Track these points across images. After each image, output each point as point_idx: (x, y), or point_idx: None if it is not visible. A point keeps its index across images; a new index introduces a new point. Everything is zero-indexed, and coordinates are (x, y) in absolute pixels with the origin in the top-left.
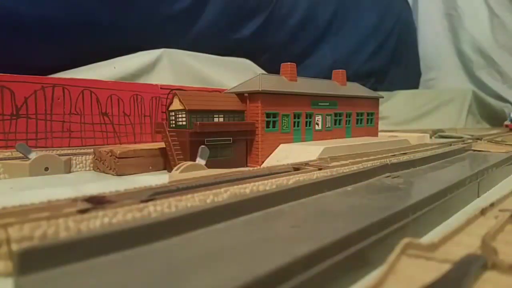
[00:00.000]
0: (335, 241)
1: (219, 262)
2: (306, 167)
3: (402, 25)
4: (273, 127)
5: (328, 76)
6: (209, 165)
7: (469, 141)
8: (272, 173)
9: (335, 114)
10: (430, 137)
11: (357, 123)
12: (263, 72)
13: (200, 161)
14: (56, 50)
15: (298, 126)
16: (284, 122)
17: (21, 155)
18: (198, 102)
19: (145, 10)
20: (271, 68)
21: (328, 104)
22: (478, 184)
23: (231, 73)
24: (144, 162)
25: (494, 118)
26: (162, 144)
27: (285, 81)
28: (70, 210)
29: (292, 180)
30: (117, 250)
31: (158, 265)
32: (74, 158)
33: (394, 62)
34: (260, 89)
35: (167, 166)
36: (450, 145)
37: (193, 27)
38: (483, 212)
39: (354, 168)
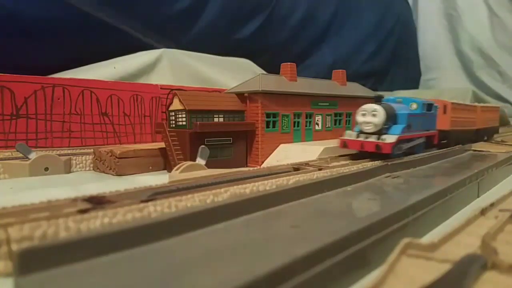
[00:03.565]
0: (335, 241)
1: (219, 262)
2: (306, 167)
3: (402, 25)
4: (273, 127)
5: (328, 76)
6: (209, 165)
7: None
8: (272, 173)
9: (335, 114)
10: None
11: None
12: (263, 72)
13: (200, 161)
14: (56, 50)
15: (298, 126)
16: (284, 122)
17: (21, 155)
18: (198, 102)
19: (145, 10)
20: (271, 68)
21: (328, 104)
22: (478, 184)
23: (231, 73)
24: (144, 162)
25: None
26: (162, 144)
27: (285, 81)
28: (70, 210)
29: (292, 180)
30: (117, 250)
31: (158, 265)
32: (74, 158)
33: (394, 62)
34: (260, 89)
35: (167, 166)
36: None
37: (193, 27)
38: (483, 212)
39: (354, 168)
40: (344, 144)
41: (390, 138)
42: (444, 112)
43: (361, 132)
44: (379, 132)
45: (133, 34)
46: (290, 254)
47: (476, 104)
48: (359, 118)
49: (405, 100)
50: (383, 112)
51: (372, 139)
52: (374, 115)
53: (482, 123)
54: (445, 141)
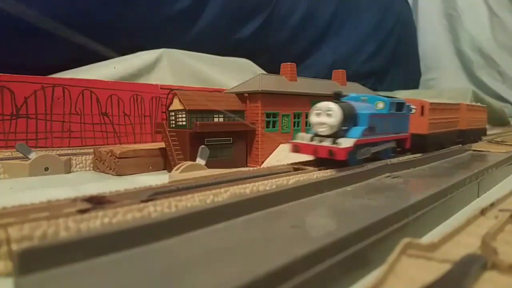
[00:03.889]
0: (335, 241)
1: (219, 262)
2: (306, 167)
3: (402, 25)
4: (273, 127)
5: (328, 76)
6: (209, 165)
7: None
8: (272, 173)
9: None
10: None
11: None
12: (263, 72)
13: (200, 161)
14: (56, 50)
15: (298, 126)
16: (284, 122)
17: (21, 155)
18: (198, 102)
19: (145, 10)
20: (271, 68)
21: None
22: (478, 184)
23: (231, 73)
24: (144, 162)
25: (494, 118)
26: (162, 144)
27: (285, 81)
28: (70, 210)
29: (292, 180)
30: (117, 250)
31: (158, 265)
32: (74, 158)
33: (394, 62)
34: (260, 89)
35: (167, 166)
36: None
37: (193, 27)
38: (483, 212)
39: (354, 168)
40: (296, 149)
41: (346, 142)
42: (422, 113)
43: (315, 134)
44: (336, 135)
45: (133, 34)
46: (290, 254)
47: (461, 102)
48: (313, 118)
49: (371, 98)
50: (340, 111)
51: (327, 143)
52: (329, 115)
53: (467, 124)
54: (422, 147)
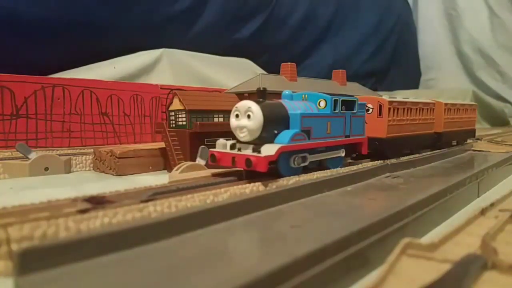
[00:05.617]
0: (335, 241)
1: (219, 262)
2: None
3: (402, 25)
4: None
5: (328, 76)
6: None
7: (469, 141)
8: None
9: None
10: None
11: None
12: (263, 72)
13: (200, 161)
14: (56, 50)
15: None
16: None
17: (21, 155)
18: (198, 102)
19: (145, 10)
20: (271, 68)
21: None
22: (478, 184)
23: (231, 73)
24: (144, 162)
25: (494, 118)
26: (162, 144)
27: (285, 81)
28: (70, 210)
29: (292, 180)
30: (117, 250)
31: (158, 265)
32: (74, 158)
33: (394, 62)
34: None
35: (167, 166)
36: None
37: (193, 27)
38: (483, 212)
39: (354, 168)
40: (213, 159)
41: (268, 150)
42: (380, 114)
43: (238, 141)
44: (260, 141)
45: (133, 34)
46: (290, 254)
47: (437, 101)
48: (233, 121)
49: (312, 96)
50: (260, 112)
51: (247, 150)
52: (249, 117)
53: (446, 126)
54: (381, 153)
